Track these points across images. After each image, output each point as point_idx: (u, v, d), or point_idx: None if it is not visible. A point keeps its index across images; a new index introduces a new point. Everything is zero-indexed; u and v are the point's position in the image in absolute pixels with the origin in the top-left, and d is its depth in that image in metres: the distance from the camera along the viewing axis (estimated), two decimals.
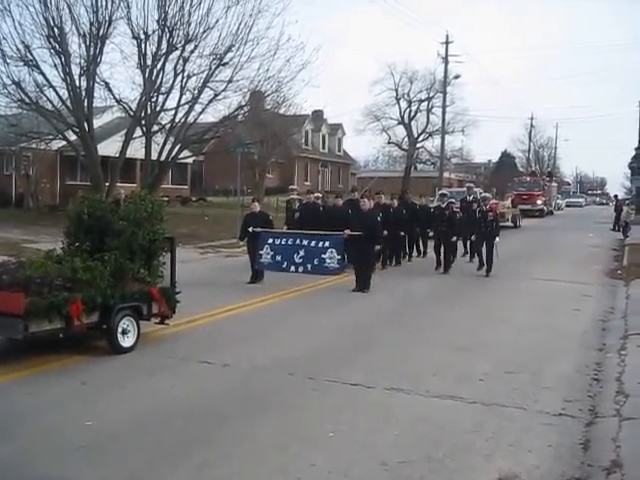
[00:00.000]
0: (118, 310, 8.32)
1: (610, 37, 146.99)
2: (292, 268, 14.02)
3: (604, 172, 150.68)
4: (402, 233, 18.03)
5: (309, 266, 13.89)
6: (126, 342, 8.40)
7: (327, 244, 13.83)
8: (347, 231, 13.75)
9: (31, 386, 7.01)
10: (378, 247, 14.47)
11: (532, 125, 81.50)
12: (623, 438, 5.66)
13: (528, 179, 50.87)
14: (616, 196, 46.16)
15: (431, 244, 18.42)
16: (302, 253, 13.95)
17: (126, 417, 6.19)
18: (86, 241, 8.90)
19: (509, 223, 33.23)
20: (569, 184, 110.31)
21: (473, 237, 17.39)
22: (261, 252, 14.24)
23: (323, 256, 13.76)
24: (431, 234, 18.67)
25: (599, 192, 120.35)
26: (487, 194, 21.37)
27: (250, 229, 14.57)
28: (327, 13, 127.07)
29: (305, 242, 14.04)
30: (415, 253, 19.82)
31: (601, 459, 5.32)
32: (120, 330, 8.32)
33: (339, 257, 13.76)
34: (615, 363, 8.18)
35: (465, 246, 19.06)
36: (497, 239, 16.63)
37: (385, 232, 16.78)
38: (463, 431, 5.94)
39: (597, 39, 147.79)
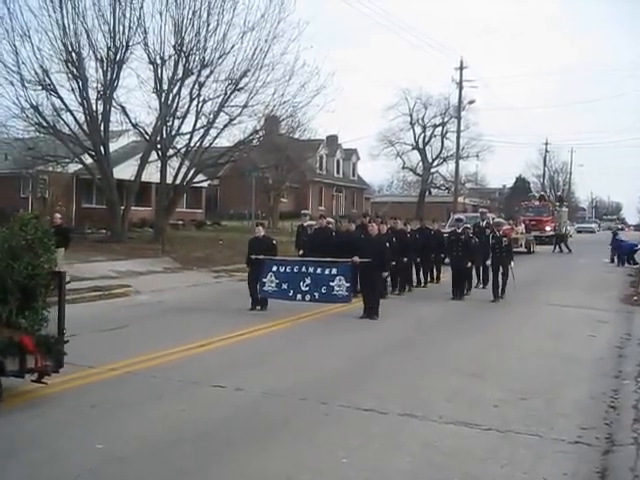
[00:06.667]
0: None
1: (626, 63, 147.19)
2: (299, 296, 13.58)
3: (620, 197, 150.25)
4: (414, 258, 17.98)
5: (316, 294, 13.44)
6: None
7: (335, 271, 13.40)
8: (355, 258, 13.32)
9: (40, 409, 6.99)
10: (386, 274, 14.05)
11: (547, 150, 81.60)
12: None
13: (536, 204, 47.16)
14: None
15: (447, 270, 18.32)
16: (308, 281, 13.49)
17: (135, 441, 6.14)
18: None
19: (523, 249, 32.97)
20: (584, 209, 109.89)
21: (487, 262, 17.28)
22: (264, 280, 13.77)
23: (331, 284, 13.30)
24: (447, 260, 18.59)
25: (614, 217, 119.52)
26: (501, 219, 21.32)
27: (253, 257, 14.09)
28: (342, 39, 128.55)
29: (311, 269, 13.62)
30: (430, 279, 19.67)
31: None
32: None
33: (348, 285, 13.29)
34: (632, 390, 8.07)
35: (478, 272, 18.85)
36: (512, 264, 16.56)
37: (405, 259, 16.79)
38: (477, 458, 5.84)
39: (613, 65, 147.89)
